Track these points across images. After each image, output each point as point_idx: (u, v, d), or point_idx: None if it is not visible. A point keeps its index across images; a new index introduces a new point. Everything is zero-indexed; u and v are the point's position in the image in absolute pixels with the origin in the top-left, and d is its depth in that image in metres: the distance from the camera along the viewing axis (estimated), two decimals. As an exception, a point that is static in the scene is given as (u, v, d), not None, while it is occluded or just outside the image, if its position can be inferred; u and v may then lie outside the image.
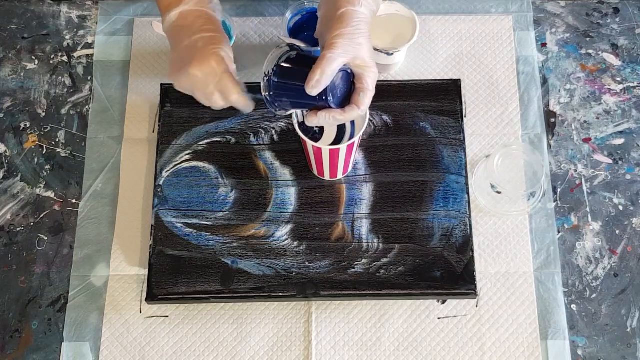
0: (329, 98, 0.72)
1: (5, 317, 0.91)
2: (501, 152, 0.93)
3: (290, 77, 0.74)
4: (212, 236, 0.90)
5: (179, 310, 0.90)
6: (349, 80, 0.73)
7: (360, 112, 0.73)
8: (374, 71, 0.72)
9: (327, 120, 0.74)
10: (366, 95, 0.72)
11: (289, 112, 0.78)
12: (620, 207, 0.95)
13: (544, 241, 0.92)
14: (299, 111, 0.80)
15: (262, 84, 0.75)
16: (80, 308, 0.90)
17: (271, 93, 0.74)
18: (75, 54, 1.04)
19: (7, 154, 0.99)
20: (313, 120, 0.74)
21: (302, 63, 0.74)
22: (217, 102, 0.79)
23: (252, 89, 0.97)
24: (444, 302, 0.90)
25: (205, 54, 0.75)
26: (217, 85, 0.76)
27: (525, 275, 0.91)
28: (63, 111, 1.01)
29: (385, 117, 0.95)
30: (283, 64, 0.74)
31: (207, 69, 0.75)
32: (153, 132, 0.98)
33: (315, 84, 0.70)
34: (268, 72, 0.74)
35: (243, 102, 0.79)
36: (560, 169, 0.97)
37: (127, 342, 0.89)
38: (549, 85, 1.01)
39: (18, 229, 0.95)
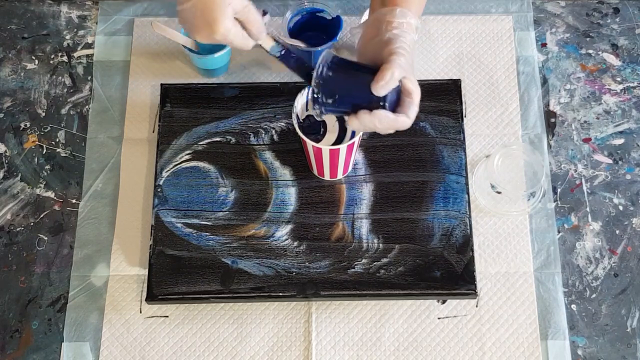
0: (387, 102, 0.73)
1: (5, 317, 0.91)
2: (501, 152, 0.93)
3: (344, 73, 0.74)
4: (212, 236, 0.90)
5: (179, 310, 0.90)
6: (398, 92, 0.74)
7: (408, 123, 0.74)
8: (419, 91, 0.75)
9: (379, 121, 0.73)
10: (415, 107, 0.74)
11: (325, 115, 0.76)
12: (620, 207, 0.95)
13: (544, 241, 0.92)
14: (301, 100, 0.79)
15: (313, 76, 0.73)
16: (80, 308, 0.90)
17: (320, 82, 0.73)
18: (75, 54, 1.04)
19: (7, 154, 0.99)
20: (364, 120, 0.73)
21: (352, 64, 0.75)
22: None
23: (253, 89, 0.98)
24: (444, 302, 0.90)
25: (208, 31, 0.74)
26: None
27: (525, 275, 0.91)
28: (63, 111, 1.01)
29: (385, 117, 0.95)
30: (338, 60, 0.74)
31: (210, 37, 0.74)
32: (153, 132, 0.98)
33: (385, 85, 0.71)
34: (321, 65, 0.73)
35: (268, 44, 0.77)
36: (560, 169, 0.97)
37: (127, 342, 0.89)
38: (549, 85, 1.01)
39: (18, 229, 0.95)
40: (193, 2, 0.73)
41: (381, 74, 0.71)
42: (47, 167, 0.98)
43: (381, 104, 0.72)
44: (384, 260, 0.88)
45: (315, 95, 0.73)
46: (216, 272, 0.88)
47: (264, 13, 0.77)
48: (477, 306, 0.89)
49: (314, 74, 0.73)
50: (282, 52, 0.78)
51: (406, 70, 0.73)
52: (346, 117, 0.75)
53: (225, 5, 0.73)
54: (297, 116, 0.83)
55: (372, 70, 0.73)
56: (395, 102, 0.74)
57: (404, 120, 0.74)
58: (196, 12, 0.73)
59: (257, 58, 1.02)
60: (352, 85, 0.73)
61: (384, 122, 0.73)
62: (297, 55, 0.78)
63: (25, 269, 0.93)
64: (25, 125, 1.00)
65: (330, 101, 0.73)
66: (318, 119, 0.77)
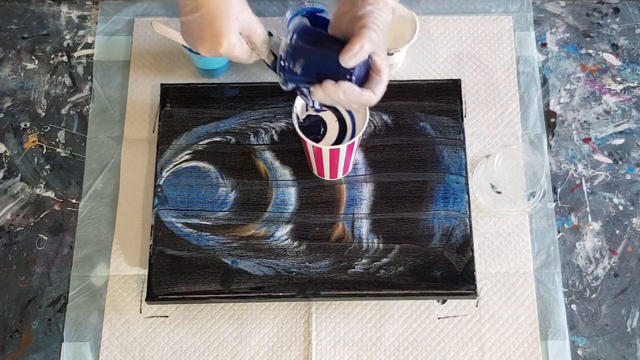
0: (354, 75, 0.72)
1: (5, 317, 0.91)
2: (501, 152, 0.93)
3: (314, 42, 0.73)
4: (212, 236, 0.90)
5: (179, 310, 0.90)
6: (367, 68, 0.74)
7: (374, 100, 0.74)
8: (389, 70, 0.74)
9: (344, 93, 0.72)
10: (382, 86, 0.73)
11: (292, 86, 0.76)
12: (620, 207, 0.95)
13: (544, 241, 0.92)
14: (302, 90, 0.79)
15: (281, 44, 0.73)
16: (80, 308, 0.90)
17: (289, 50, 0.72)
18: (75, 54, 1.04)
19: (7, 154, 0.99)
20: (329, 90, 0.73)
21: (323, 35, 0.74)
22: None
23: (253, 89, 0.98)
24: (444, 302, 0.90)
25: (212, 44, 0.73)
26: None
27: (525, 275, 0.91)
28: (63, 111, 1.01)
29: (385, 117, 0.95)
30: (310, 29, 0.73)
31: (214, 51, 0.74)
32: (153, 132, 0.98)
33: (353, 56, 0.70)
34: (292, 32, 0.73)
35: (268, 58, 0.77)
36: (560, 169, 0.97)
37: (127, 342, 0.89)
38: (549, 85, 1.01)
39: (18, 229, 0.95)
40: (200, 14, 0.72)
41: (350, 45, 0.70)
42: (47, 167, 0.98)
43: (348, 77, 0.71)
44: (384, 260, 0.88)
45: (282, 63, 0.73)
46: (216, 272, 0.88)
47: (269, 34, 0.77)
48: (477, 306, 0.89)
49: (284, 40, 0.72)
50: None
51: (377, 47, 0.72)
52: (312, 89, 0.74)
53: (232, 19, 0.72)
54: (297, 116, 0.83)
55: (342, 42, 0.71)
56: (364, 78, 0.73)
57: (370, 96, 0.73)
58: (202, 24, 0.72)
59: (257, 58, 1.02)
60: (320, 55, 0.72)
61: (349, 94, 0.72)
62: (294, 71, 0.78)
63: (25, 269, 0.93)
64: (25, 125, 1.00)
65: (297, 70, 0.73)
66: (283, 87, 0.75)
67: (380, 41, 0.73)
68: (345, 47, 0.70)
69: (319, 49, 0.73)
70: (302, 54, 0.73)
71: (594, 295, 0.91)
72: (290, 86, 0.75)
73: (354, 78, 0.72)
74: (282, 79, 0.74)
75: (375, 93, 0.73)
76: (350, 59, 0.70)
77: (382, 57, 0.73)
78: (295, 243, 0.89)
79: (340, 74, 0.72)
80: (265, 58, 0.77)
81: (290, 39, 0.72)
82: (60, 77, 1.03)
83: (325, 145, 0.82)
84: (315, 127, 0.85)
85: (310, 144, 0.82)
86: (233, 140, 0.95)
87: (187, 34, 0.76)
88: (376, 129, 0.95)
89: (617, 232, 0.94)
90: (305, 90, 0.75)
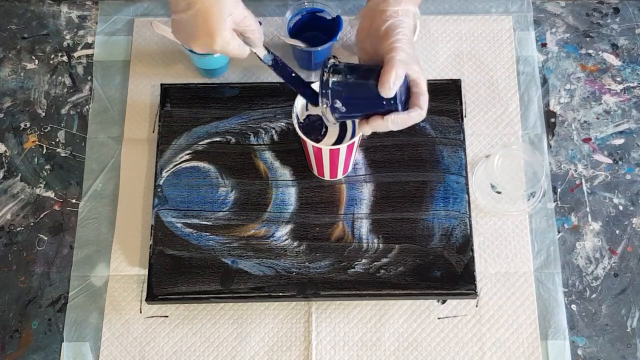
0: (398, 101, 0.72)
1: (5, 317, 0.91)
2: (501, 152, 0.93)
3: (350, 80, 0.73)
4: (212, 236, 0.90)
5: (179, 310, 0.90)
6: (407, 85, 0.74)
7: (422, 114, 0.74)
8: (425, 79, 0.74)
9: (393, 123, 0.73)
10: (425, 97, 0.74)
11: (340, 120, 0.77)
12: (620, 207, 0.95)
13: (544, 241, 0.92)
14: (301, 100, 0.82)
15: (320, 91, 0.73)
16: (80, 308, 0.90)
17: (326, 91, 0.73)
18: (75, 54, 1.04)
19: (7, 154, 0.99)
20: (378, 126, 0.73)
21: (355, 68, 0.75)
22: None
23: (253, 89, 0.98)
24: (444, 302, 0.90)
25: (205, 42, 0.73)
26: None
27: (525, 275, 0.91)
28: (63, 111, 1.01)
29: (385, 117, 0.95)
30: (341, 66, 0.74)
31: (208, 47, 0.74)
32: (153, 132, 0.98)
33: (392, 86, 0.71)
34: (325, 73, 0.73)
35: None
36: (560, 169, 0.97)
37: (127, 342, 0.89)
38: (549, 85, 1.01)
39: (18, 229, 0.95)
40: (193, 12, 0.72)
41: (384, 77, 0.71)
42: (47, 167, 0.98)
43: (392, 102, 0.72)
44: (384, 260, 0.88)
45: (327, 104, 0.73)
46: (216, 272, 0.88)
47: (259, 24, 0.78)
48: (477, 306, 0.89)
49: (320, 84, 0.73)
50: (272, 61, 0.80)
51: (408, 63, 0.72)
52: (357, 121, 0.75)
53: (226, 15, 0.72)
54: (297, 116, 0.83)
55: (375, 70, 0.72)
56: (406, 95, 0.74)
57: (418, 113, 0.73)
58: (195, 21, 0.72)
59: (257, 58, 1.01)
60: (359, 91, 0.73)
61: (398, 123, 0.73)
62: (286, 65, 0.80)
63: (25, 269, 0.93)
64: (25, 125, 1.00)
65: (340, 109, 0.74)
66: (333, 124, 0.76)
67: (409, 55, 0.73)
68: (380, 79, 0.71)
69: (355, 86, 0.73)
70: (341, 95, 0.73)
71: (594, 295, 0.91)
72: (340, 121, 0.76)
73: (397, 102, 0.72)
74: (334, 117, 0.75)
75: (422, 107, 0.74)
76: (389, 90, 0.71)
77: (415, 70, 0.73)
78: (295, 243, 0.89)
79: (384, 106, 0.73)
80: (260, 53, 0.79)
81: (326, 81, 0.72)
82: (60, 77, 1.03)
83: (325, 145, 0.82)
84: (315, 127, 0.85)
85: (310, 144, 0.82)
86: (233, 140, 0.95)
87: (179, 32, 0.76)
88: (376, 129, 0.95)
89: (617, 232, 0.94)
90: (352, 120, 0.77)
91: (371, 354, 0.88)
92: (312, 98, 0.79)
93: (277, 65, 0.80)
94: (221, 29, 0.72)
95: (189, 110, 0.96)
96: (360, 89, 0.73)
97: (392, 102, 0.72)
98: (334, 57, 0.75)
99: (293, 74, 0.80)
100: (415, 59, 0.74)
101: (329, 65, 0.74)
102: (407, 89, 0.74)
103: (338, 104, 0.73)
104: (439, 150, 0.93)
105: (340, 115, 0.75)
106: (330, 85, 0.73)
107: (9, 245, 0.94)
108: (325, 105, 0.73)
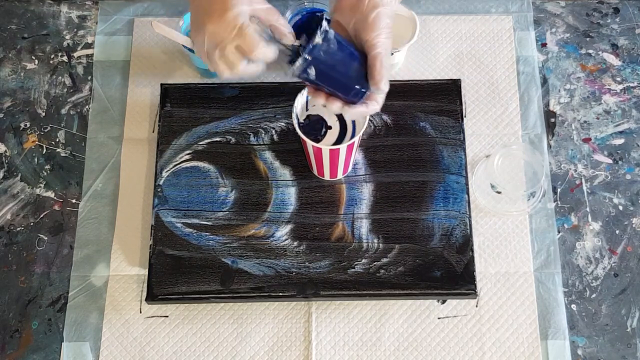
0: (366, 92, 0.75)
1: (5, 317, 0.91)
2: (501, 152, 0.93)
3: (336, 55, 0.73)
4: (212, 236, 0.90)
5: (179, 310, 0.90)
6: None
7: (377, 109, 0.77)
8: (389, 71, 0.77)
9: (353, 115, 0.77)
10: (383, 96, 0.77)
11: (302, 77, 0.75)
12: (620, 207, 0.95)
13: (544, 241, 0.92)
14: (301, 100, 0.82)
15: (309, 45, 0.72)
16: (80, 308, 0.90)
17: (309, 56, 0.72)
18: (75, 54, 1.04)
19: (7, 154, 0.99)
20: (333, 107, 0.75)
21: (344, 46, 0.74)
22: (233, 66, 0.74)
23: (253, 89, 0.98)
24: (444, 302, 0.90)
25: (221, 8, 0.72)
26: (235, 40, 0.73)
27: (525, 275, 0.91)
28: (63, 111, 1.01)
29: (385, 117, 0.95)
30: (334, 37, 0.73)
31: (221, 24, 0.72)
32: (153, 132, 0.98)
33: (384, 86, 0.74)
34: (320, 37, 0.72)
35: (270, 54, 0.74)
36: (560, 169, 0.97)
37: (127, 342, 0.89)
38: (549, 85, 1.01)
39: (18, 229, 0.95)
40: None
41: (377, 74, 0.73)
42: (47, 167, 0.98)
43: (361, 91, 0.75)
44: (384, 260, 0.88)
45: (302, 65, 0.72)
46: (216, 272, 0.88)
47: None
48: (477, 306, 0.89)
49: (311, 43, 0.71)
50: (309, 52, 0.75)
51: (388, 50, 0.75)
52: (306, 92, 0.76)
53: None
54: (297, 116, 0.83)
55: (358, 57, 0.74)
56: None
57: (374, 108, 0.76)
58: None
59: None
60: (338, 72, 0.73)
61: (353, 115, 0.77)
62: (309, 72, 0.76)
63: (25, 269, 0.93)
64: (25, 125, 1.00)
65: (311, 75, 0.73)
66: (291, 72, 0.75)
67: (389, 47, 0.75)
68: (373, 74, 0.73)
69: (338, 65, 0.73)
70: (320, 65, 0.73)
71: (594, 295, 0.91)
72: (301, 77, 0.74)
73: (364, 96, 0.75)
74: (295, 73, 0.73)
75: (379, 102, 0.76)
76: (383, 87, 0.74)
77: (384, 64, 0.74)
78: (295, 243, 0.89)
79: (352, 92, 0.75)
80: (288, 42, 0.75)
81: (315, 46, 0.71)
82: (60, 77, 1.03)
83: (325, 145, 0.82)
84: (315, 127, 0.85)
85: (310, 144, 0.82)
86: (233, 140, 0.95)
87: (196, 12, 0.75)
88: (376, 129, 0.95)
89: (617, 232, 0.94)
90: (306, 83, 0.76)
91: (371, 354, 0.88)
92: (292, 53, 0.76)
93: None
94: (236, 2, 0.70)
95: (189, 110, 0.96)
96: (341, 70, 0.73)
97: (361, 90, 0.74)
98: (327, 20, 0.73)
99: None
100: (390, 45, 0.76)
101: (322, 29, 0.72)
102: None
103: (311, 70, 0.73)
104: (439, 150, 0.93)
105: (305, 77, 0.74)
106: (315, 51, 0.72)
107: (9, 245, 0.94)
108: (300, 67, 0.72)
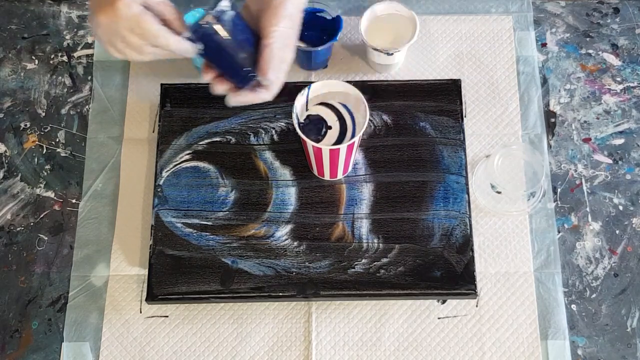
0: (255, 78, 0.76)
1: (5, 317, 0.91)
2: (501, 152, 0.93)
3: (227, 45, 0.73)
4: (212, 236, 0.90)
5: (179, 310, 0.90)
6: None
7: (268, 98, 0.78)
8: (281, 59, 0.76)
9: (242, 101, 0.77)
10: (277, 86, 0.78)
11: (198, 50, 0.75)
12: (620, 207, 0.95)
13: (544, 241, 0.92)
14: (301, 100, 0.83)
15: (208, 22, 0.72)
16: (80, 308, 0.90)
17: (205, 32, 0.72)
18: (75, 54, 1.04)
19: (7, 154, 0.99)
20: (217, 89, 0.76)
21: (238, 32, 0.74)
22: (140, 50, 0.72)
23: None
24: (444, 302, 0.90)
25: None
26: (133, 32, 0.70)
27: (525, 275, 0.91)
28: (63, 111, 1.01)
29: (385, 117, 0.95)
30: (234, 20, 0.73)
31: (111, 14, 0.68)
32: (153, 132, 0.98)
33: (273, 79, 0.75)
34: (207, 21, 0.72)
35: (175, 44, 0.72)
36: (560, 169, 0.97)
37: (127, 342, 0.89)
38: (549, 85, 1.01)
39: (18, 229, 0.95)
40: None
41: (265, 65, 0.73)
42: (47, 167, 0.98)
43: (250, 77, 0.75)
44: (384, 260, 0.88)
45: (197, 37, 0.73)
46: (216, 272, 0.88)
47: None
48: (477, 306, 0.89)
49: (199, 21, 0.72)
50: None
51: (282, 48, 0.74)
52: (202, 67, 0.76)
53: None
54: (297, 116, 0.83)
55: (250, 44, 0.74)
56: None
57: (263, 97, 0.77)
58: None
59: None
60: (228, 54, 0.74)
61: (244, 101, 0.77)
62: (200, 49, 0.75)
63: (25, 269, 0.93)
64: (25, 125, 1.00)
65: (201, 51, 0.74)
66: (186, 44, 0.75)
67: (288, 36, 0.75)
68: (261, 64, 0.73)
69: (230, 49, 0.73)
70: (212, 44, 0.73)
71: (594, 295, 0.91)
72: (196, 49, 0.74)
73: (253, 81, 0.76)
74: (190, 47, 0.73)
75: (270, 91, 0.77)
76: (268, 77, 0.74)
77: (275, 54, 0.74)
78: (295, 243, 0.89)
79: (241, 76, 0.75)
80: (187, 52, 0.74)
81: (208, 30, 0.71)
82: (60, 77, 1.03)
83: (325, 145, 0.82)
84: (315, 127, 0.85)
85: (310, 144, 0.82)
86: (233, 140, 0.95)
87: (90, 4, 0.73)
88: (376, 129, 0.95)
89: (617, 232, 0.94)
90: (201, 60, 0.77)
91: (371, 354, 0.88)
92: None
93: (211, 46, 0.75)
94: None
95: (189, 110, 0.96)
96: (231, 52, 0.73)
97: (249, 75, 0.75)
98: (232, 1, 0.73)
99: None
100: (292, 36, 0.75)
101: (218, 9, 0.71)
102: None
103: (200, 46, 0.73)
104: (439, 150, 0.93)
105: (198, 52, 0.74)
106: (209, 30, 0.72)
107: (9, 245, 0.94)
108: (186, 39, 0.73)
